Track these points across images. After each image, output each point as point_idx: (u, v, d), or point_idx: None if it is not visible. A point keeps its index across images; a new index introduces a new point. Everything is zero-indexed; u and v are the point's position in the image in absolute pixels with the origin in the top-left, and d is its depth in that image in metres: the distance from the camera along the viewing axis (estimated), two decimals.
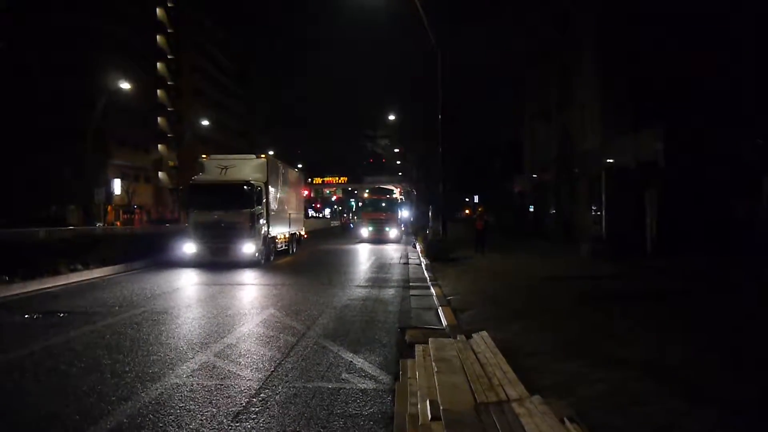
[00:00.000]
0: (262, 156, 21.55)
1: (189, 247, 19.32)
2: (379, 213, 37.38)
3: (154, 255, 20.58)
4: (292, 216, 25.35)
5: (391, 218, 37.10)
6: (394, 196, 41.25)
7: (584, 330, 8.49)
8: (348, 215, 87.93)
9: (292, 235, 25.46)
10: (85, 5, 50.53)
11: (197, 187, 20.31)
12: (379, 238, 35.69)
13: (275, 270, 18.84)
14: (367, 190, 50.01)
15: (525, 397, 5.26)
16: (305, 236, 30.38)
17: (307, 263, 22.37)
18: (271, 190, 21.22)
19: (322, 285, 14.94)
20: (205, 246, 19.17)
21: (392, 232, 36.33)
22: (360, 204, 43.05)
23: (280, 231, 22.86)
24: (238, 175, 20.08)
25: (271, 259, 21.20)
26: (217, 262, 19.14)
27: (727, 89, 19.25)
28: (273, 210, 21.46)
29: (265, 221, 20.36)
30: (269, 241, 21.05)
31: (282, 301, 12.36)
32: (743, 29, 19.39)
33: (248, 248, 19.07)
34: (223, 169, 20.59)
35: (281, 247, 23.41)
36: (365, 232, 36.98)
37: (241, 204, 19.12)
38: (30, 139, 47.38)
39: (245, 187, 19.28)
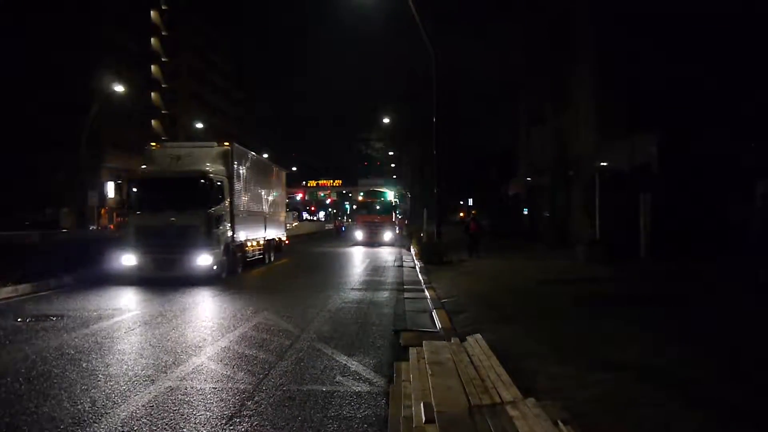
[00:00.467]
0: (225, 144, 17.68)
1: (128, 259, 15.30)
2: (373, 216, 37.05)
3: (92, 267, 16.77)
4: (268, 218, 21.88)
5: (385, 221, 36.77)
6: (388, 198, 41.04)
7: (579, 332, 8.50)
8: (341, 218, 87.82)
9: (269, 241, 21.90)
10: (79, 8, 50.38)
11: (139, 181, 16.51)
12: (373, 241, 35.37)
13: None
14: (361, 193, 50.04)
15: (519, 400, 5.26)
16: (287, 242, 26.36)
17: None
18: (238, 185, 17.63)
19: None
20: (148, 257, 15.19)
21: (386, 235, 35.98)
22: (354, 207, 42.82)
23: (251, 236, 19.43)
24: (193, 166, 16.12)
25: (238, 271, 17.69)
26: (164, 277, 15.22)
27: (720, 92, 19.34)
28: (240, 210, 17.90)
29: (228, 224, 16.75)
30: (234, 250, 17.33)
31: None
32: (737, 31, 19.48)
33: (204, 260, 15.13)
34: (174, 158, 16.58)
35: (253, 255, 19.86)
36: (359, 235, 36.66)
37: (195, 202, 15.26)
38: (24, 143, 47.21)
39: (201, 180, 15.46)
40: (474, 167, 61.76)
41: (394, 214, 39.18)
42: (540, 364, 6.66)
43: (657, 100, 19.89)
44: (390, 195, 43.38)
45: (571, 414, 4.87)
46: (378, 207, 38.17)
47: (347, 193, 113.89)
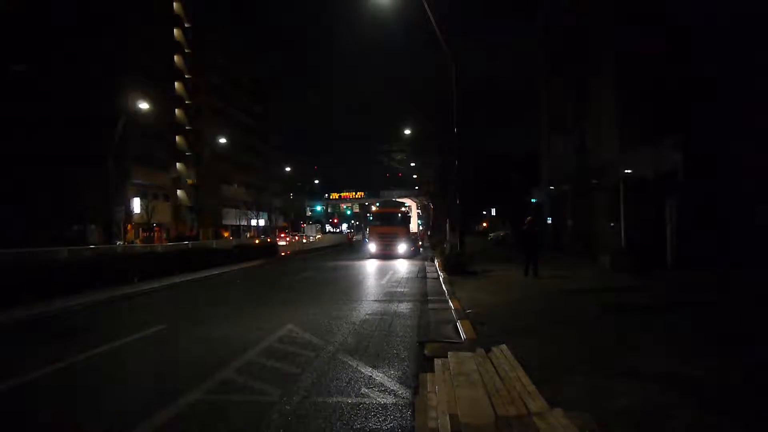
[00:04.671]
0: None
1: None
2: (388, 227, 35.25)
3: None
4: None
5: (401, 233, 35.17)
6: (404, 209, 39.78)
7: (606, 342, 8.39)
8: (352, 231, 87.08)
9: None
10: (105, 29, 51.59)
11: None
12: (389, 254, 33.87)
13: None
14: (377, 203, 49.56)
15: (546, 411, 5.21)
16: None
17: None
18: None
19: None
20: None
21: (403, 248, 34.38)
22: (370, 218, 41.14)
23: None
24: None
25: None
26: None
27: (746, 96, 19.08)
28: None
29: None
30: None
31: None
32: (763, 34, 19.22)
33: None
34: None
35: None
36: (374, 247, 34.97)
37: None
38: (53, 161, 48.34)
39: None
40: (496, 176, 61.66)
41: (410, 225, 38.06)
42: (567, 374, 6.58)
43: (681, 106, 19.68)
44: (413, 205, 43.09)
45: (599, 425, 4.82)
46: (394, 218, 36.43)
47: (369, 205, 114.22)
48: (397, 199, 55.06)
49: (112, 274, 18.02)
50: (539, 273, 18.04)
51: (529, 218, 20.74)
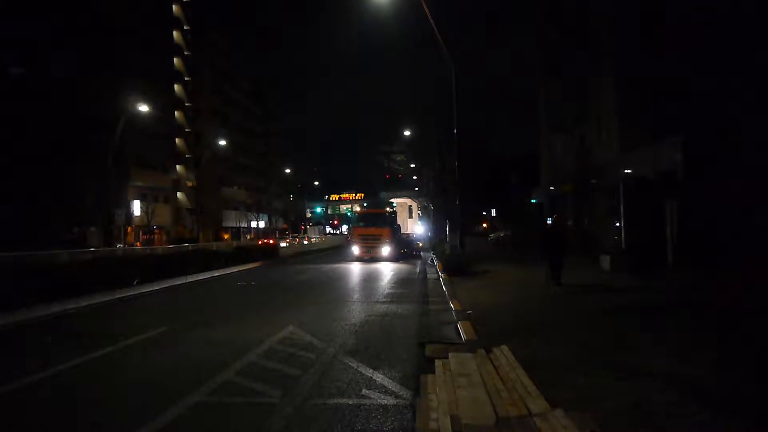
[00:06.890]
0: None
1: None
2: (373, 229, 33.87)
3: None
4: None
5: (385, 233, 33.54)
6: (390, 209, 38.40)
7: (606, 342, 8.40)
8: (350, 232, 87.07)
9: None
10: (105, 30, 51.59)
11: None
12: (373, 257, 32.74)
13: None
14: (364, 204, 48.73)
15: (547, 411, 5.21)
16: None
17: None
18: None
19: None
20: None
21: (387, 249, 32.94)
22: (355, 218, 38.97)
23: None
24: None
25: None
26: None
27: (744, 96, 19.10)
28: None
29: None
30: None
31: None
32: (760, 38, 19.24)
33: None
34: None
35: None
36: (357, 249, 33.70)
37: None
38: (53, 163, 48.24)
39: None
40: (496, 177, 61.67)
41: (397, 226, 37.25)
42: (567, 374, 6.59)
43: (681, 106, 19.71)
44: (413, 206, 42.82)
45: (600, 425, 4.82)
46: (379, 220, 34.88)
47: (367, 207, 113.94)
48: (396, 200, 54.75)
49: (112, 277, 17.99)
50: (561, 280, 15.68)
51: (555, 216, 19.76)
